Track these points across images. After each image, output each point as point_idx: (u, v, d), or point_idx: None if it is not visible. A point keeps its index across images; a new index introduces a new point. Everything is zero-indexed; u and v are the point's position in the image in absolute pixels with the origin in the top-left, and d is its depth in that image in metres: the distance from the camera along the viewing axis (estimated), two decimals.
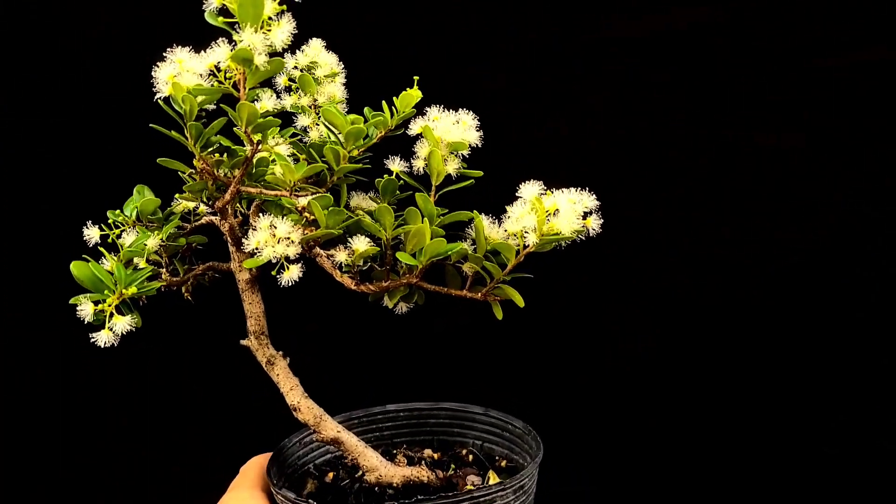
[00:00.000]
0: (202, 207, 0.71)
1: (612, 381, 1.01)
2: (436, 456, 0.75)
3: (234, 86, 0.60)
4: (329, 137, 0.69)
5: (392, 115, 0.68)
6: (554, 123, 0.98)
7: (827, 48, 0.90)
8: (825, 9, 0.89)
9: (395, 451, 0.74)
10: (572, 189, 0.62)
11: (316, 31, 0.72)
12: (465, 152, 0.67)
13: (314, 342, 0.98)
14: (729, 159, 0.94)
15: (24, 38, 1.03)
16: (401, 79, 0.69)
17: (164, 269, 0.68)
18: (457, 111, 0.67)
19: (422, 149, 0.67)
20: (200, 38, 0.62)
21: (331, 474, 0.72)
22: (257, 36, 0.57)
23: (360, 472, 0.70)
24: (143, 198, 0.69)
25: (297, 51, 0.72)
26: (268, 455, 0.72)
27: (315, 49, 0.73)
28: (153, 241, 0.65)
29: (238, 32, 0.58)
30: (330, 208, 0.63)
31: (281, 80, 0.72)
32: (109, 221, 0.68)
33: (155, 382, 1.10)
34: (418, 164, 0.67)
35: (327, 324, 0.99)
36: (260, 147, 0.60)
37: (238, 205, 0.70)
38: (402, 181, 0.69)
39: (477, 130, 0.67)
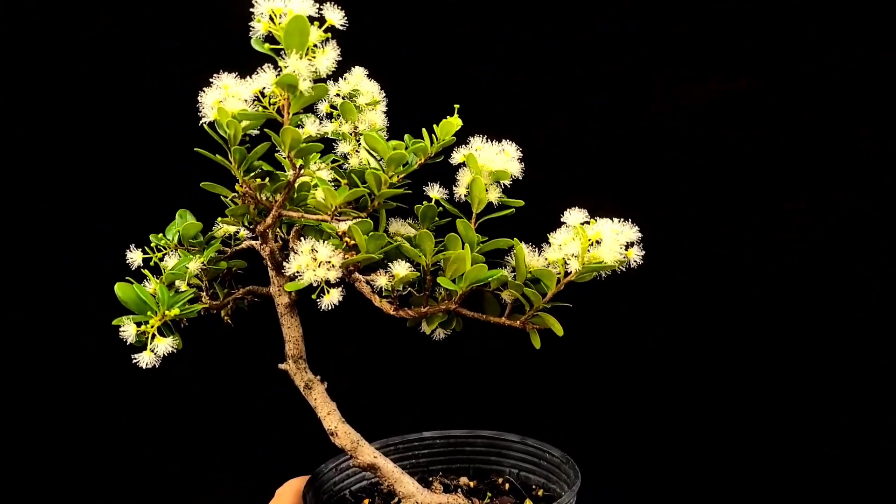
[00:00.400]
0: (242, 232, 0.72)
1: (639, 402, 1.00)
2: (472, 484, 0.74)
3: (279, 111, 0.60)
4: (369, 164, 0.69)
5: (432, 142, 0.68)
6: (554, 123, 0.97)
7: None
8: None
9: (430, 479, 0.73)
10: (616, 219, 0.62)
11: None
12: (507, 182, 0.67)
13: (351, 366, 0.98)
14: (729, 159, 0.94)
15: (25, 38, 1.03)
16: (398, 80, 0.69)
17: (204, 293, 0.69)
18: (500, 141, 0.68)
19: (464, 176, 0.67)
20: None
21: (366, 501, 0.72)
22: (302, 62, 0.58)
23: (396, 499, 0.69)
24: (185, 222, 0.69)
25: (340, 78, 0.73)
26: (302, 479, 0.71)
27: (357, 77, 0.73)
28: (195, 265, 0.66)
29: (283, 59, 0.58)
30: (370, 233, 0.63)
31: (322, 107, 0.73)
32: (152, 245, 0.68)
33: (155, 382, 1.06)
34: (460, 192, 0.67)
35: (364, 348, 0.99)
36: (302, 172, 0.61)
37: (278, 230, 0.70)
38: (441, 208, 0.70)
39: (519, 162, 0.67)
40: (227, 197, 0.65)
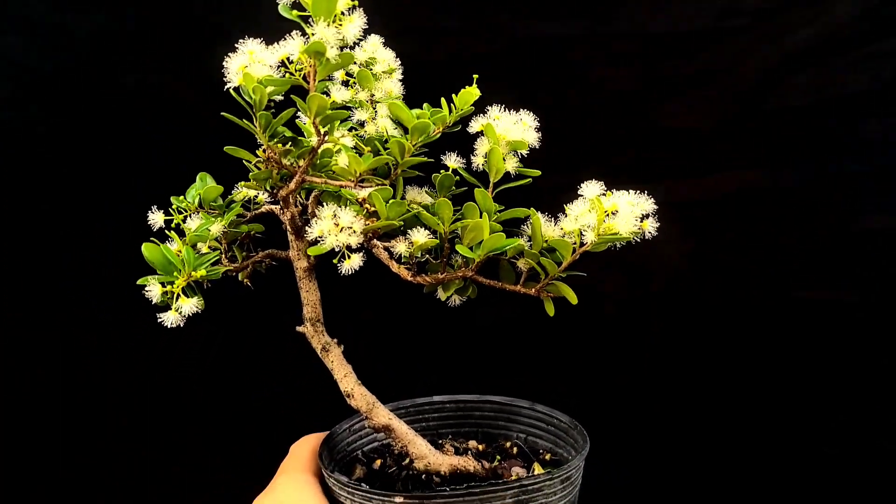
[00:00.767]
0: (261, 196, 0.73)
1: (647, 380, 1.02)
2: (480, 447, 0.76)
3: (304, 77, 0.61)
4: (386, 132, 0.70)
5: (450, 111, 0.69)
6: (556, 123, 0.99)
7: None
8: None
9: (440, 442, 0.75)
10: (631, 191, 0.64)
11: None
12: (524, 152, 0.68)
13: (368, 331, 0.99)
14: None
15: (25, 37, 1.04)
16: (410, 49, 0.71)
17: (224, 255, 0.70)
18: (518, 111, 0.69)
19: (481, 146, 0.68)
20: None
21: (378, 461, 0.74)
22: (330, 30, 0.59)
23: (408, 460, 0.71)
24: (205, 185, 0.70)
25: (357, 47, 0.73)
26: (315, 435, 0.73)
27: (373, 45, 0.74)
28: (217, 227, 0.67)
29: (311, 26, 0.59)
30: (391, 201, 0.64)
31: (338, 75, 0.73)
32: (174, 207, 0.69)
33: (155, 382, 1.11)
34: (478, 161, 0.68)
35: (381, 314, 1.00)
36: (326, 138, 0.62)
37: (298, 195, 0.71)
38: (458, 177, 0.71)
39: (536, 131, 0.69)
40: (250, 162, 0.66)
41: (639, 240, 0.64)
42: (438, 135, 0.66)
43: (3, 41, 1.03)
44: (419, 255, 0.66)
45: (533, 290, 0.67)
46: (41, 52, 1.04)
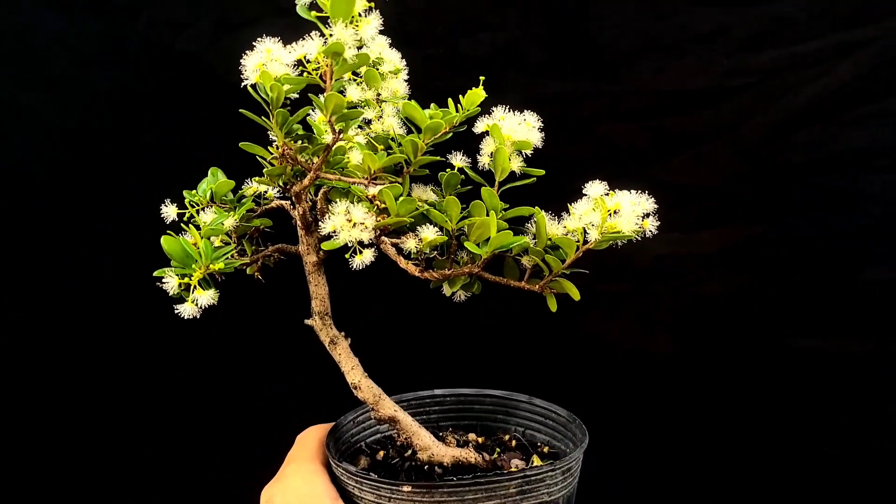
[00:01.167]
0: (270, 192, 0.75)
1: (650, 381, 1.05)
2: (480, 440, 0.78)
3: (321, 77, 0.63)
4: (392, 130, 0.72)
5: (457, 111, 0.71)
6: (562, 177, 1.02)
7: None
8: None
9: (441, 434, 0.77)
10: (633, 191, 0.66)
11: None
12: (529, 151, 0.70)
13: (375, 325, 1.00)
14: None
15: (24, 36, 1.05)
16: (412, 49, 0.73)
17: (234, 249, 0.71)
18: (522, 112, 0.71)
19: (487, 146, 0.70)
20: None
21: (381, 452, 0.75)
22: (348, 31, 0.61)
23: (410, 451, 0.73)
24: (217, 179, 0.72)
25: (363, 47, 0.75)
26: (321, 426, 0.75)
27: (380, 45, 0.76)
28: (230, 222, 0.68)
29: (328, 27, 0.61)
30: (401, 198, 0.66)
31: (345, 74, 0.75)
32: (186, 201, 0.71)
33: (155, 382, 1.11)
34: (483, 161, 0.70)
35: (388, 308, 1.02)
36: (341, 136, 0.64)
37: (308, 191, 0.73)
38: (463, 176, 0.73)
39: (540, 132, 0.71)
40: (263, 158, 0.67)
41: (640, 238, 0.66)
42: (449, 135, 0.68)
43: (28, 97, 1.06)
44: (427, 252, 0.68)
45: (537, 286, 0.69)
46: (64, 108, 1.06)
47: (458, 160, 0.72)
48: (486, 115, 0.71)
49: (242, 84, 0.64)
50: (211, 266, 0.62)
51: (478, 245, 0.67)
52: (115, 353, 1.10)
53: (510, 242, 0.66)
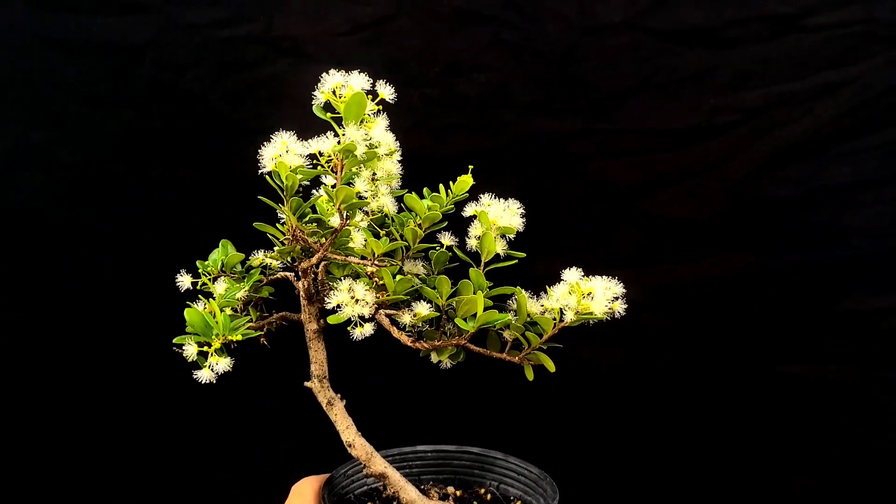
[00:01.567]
0: (275, 263, 0.82)
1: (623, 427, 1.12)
2: (458, 493, 0.85)
3: (332, 168, 0.70)
4: (387, 208, 0.80)
5: (447, 195, 0.79)
6: (555, 211, 1.09)
7: None
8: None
9: (422, 487, 0.84)
10: (605, 277, 0.74)
11: None
12: (511, 236, 0.79)
13: (365, 386, 1.05)
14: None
15: (24, 36, 1.09)
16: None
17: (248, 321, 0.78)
18: (506, 199, 0.79)
19: (474, 229, 0.78)
20: None
21: (369, 503, 0.82)
22: (359, 132, 0.68)
23: (395, 503, 0.80)
24: (227, 252, 0.79)
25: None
26: (315, 478, 0.81)
27: (378, 130, 0.83)
28: (242, 293, 0.75)
29: (342, 128, 0.69)
30: (398, 276, 0.74)
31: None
32: (199, 271, 0.77)
33: (155, 382, 1.13)
34: (471, 243, 0.78)
35: (382, 374, 1.09)
36: (348, 222, 0.71)
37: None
38: (451, 254, 0.81)
39: (521, 217, 0.79)
40: (275, 237, 0.74)
41: (609, 318, 0.75)
42: (444, 223, 0.76)
43: (39, 135, 1.10)
44: (420, 325, 0.76)
45: (517, 357, 0.77)
46: (73, 145, 1.11)
47: (447, 240, 0.80)
48: (474, 201, 0.79)
49: (260, 172, 0.72)
50: (228, 336, 0.69)
51: (465, 320, 0.75)
52: (115, 353, 1.12)
53: (495, 319, 0.74)
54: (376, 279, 0.75)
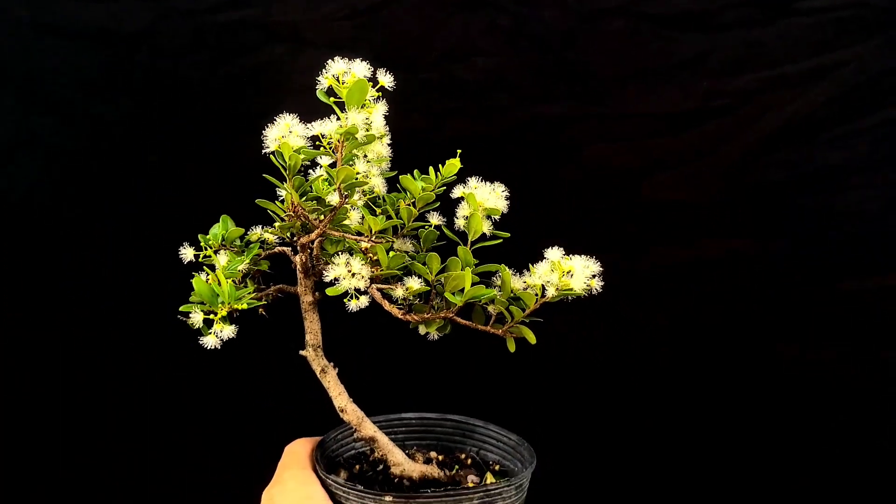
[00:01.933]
0: (271, 238, 0.86)
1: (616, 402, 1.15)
2: (440, 458, 0.91)
3: (333, 149, 0.75)
4: (379, 189, 0.84)
5: (437, 178, 0.84)
6: (551, 195, 1.12)
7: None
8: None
9: (407, 452, 0.89)
10: (583, 256, 0.80)
11: None
12: (497, 217, 0.84)
13: (358, 356, 1.08)
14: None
15: (24, 36, 1.11)
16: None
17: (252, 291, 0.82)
18: (492, 182, 0.84)
19: (462, 209, 0.83)
20: None
21: (357, 466, 0.87)
22: (360, 116, 0.73)
23: (381, 466, 0.85)
24: (227, 226, 0.83)
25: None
26: (307, 440, 0.85)
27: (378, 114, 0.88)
28: (244, 265, 0.79)
29: (344, 112, 0.73)
30: (391, 252, 0.79)
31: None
32: (202, 245, 0.81)
33: (155, 382, 1.15)
34: (459, 223, 0.83)
35: (373, 345, 1.12)
36: (347, 200, 0.76)
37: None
38: (438, 232, 0.86)
39: (506, 200, 0.84)
40: (276, 213, 0.79)
41: (587, 295, 0.80)
42: (437, 203, 0.81)
43: (38, 121, 1.11)
44: (411, 298, 0.81)
45: (500, 330, 0.82)
46: (72, 133, 1.12)
47: (436, 219, 0.85)
48: (462, 184, 0.84)
49: (263, 152, 0.76)
50: (234, 305, 0.73)
51: (453, 294, 0.80)
52: (115, 353, 1.13)
53: (482, 294, 0.79)
54: (370, 255, 0.79)
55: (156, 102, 1.12)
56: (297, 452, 0.83)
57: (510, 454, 0.90)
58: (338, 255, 0.78)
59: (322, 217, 0.77)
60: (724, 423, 1.13)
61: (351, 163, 0.76)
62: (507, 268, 0.81)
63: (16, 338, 1.14)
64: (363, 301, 0.77)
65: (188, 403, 1.16)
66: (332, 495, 0.79)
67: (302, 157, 0.74)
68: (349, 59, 0.74)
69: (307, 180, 0.77)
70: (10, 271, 1.13)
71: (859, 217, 1.05)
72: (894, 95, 1.02)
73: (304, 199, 0.76)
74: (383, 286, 0.81)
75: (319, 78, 0.74)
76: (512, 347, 0.83)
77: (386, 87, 0.76)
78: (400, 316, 0.81)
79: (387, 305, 0.81)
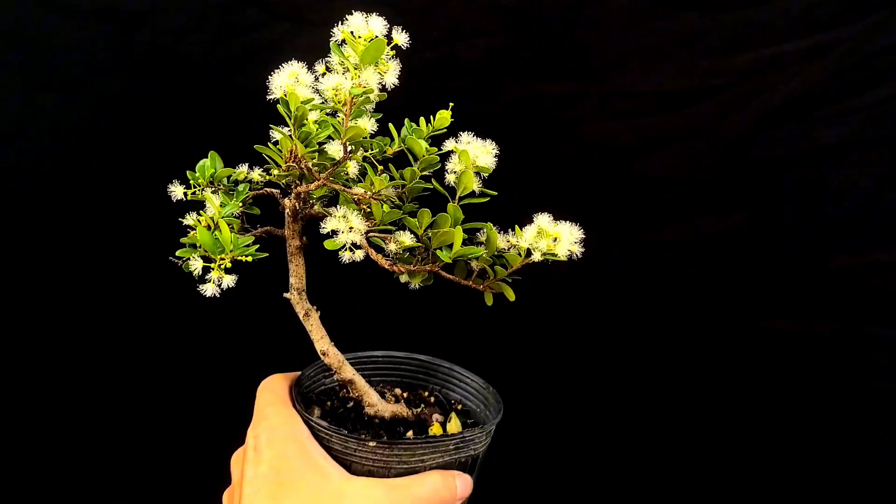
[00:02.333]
0: (256, 177, 0.85)
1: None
2: (405, 395, 0.95)
3: (342, 104, 0.74)
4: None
5: (427, 129, 0.84)
6: (551, 173, 1.13)
7: None
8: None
9: (379, 388, 0.93)
10: (569, 223, 0.83)
11: None
12: (486, 175, 0.85)
13: (342, 301, 1.07)
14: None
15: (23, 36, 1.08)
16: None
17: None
18: (484, 139, 0.85)
19: (453, 164, 0.85)
20: None
21: (328, 403, 0.90)
22: (375, 75, 0.72)
23: (352, 404, 0.89)
24: (216, 163, 0.82)
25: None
26: (281, 376, 0.87)
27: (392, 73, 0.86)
28: (238, 209, 0.79)
29: (357, 69, 0.72)
30: (385, 207, 0.80)
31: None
32: (191, 183, 0.80)
33: (155, 382, 1.15)
34: (450, 178, 0.85)
35: (357, 291, 1.12)
36: (350, 156, 0.76)
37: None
38: (423, 184, 0.87)
39: (494, 157, 0.86)
40: (272, 159, 0.78)
41: (568, 259, 0.84)
42: (438, 165, 0.82)
43: (42, 98, 1.09)
44: (401, 252, 0.83)
45: (480, 286, 0.86)
46: (77, 109, 1.09)
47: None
48: (453, 138, 0.85)
49: (268, 98, 0.75)
50: (237, 256, 0.73)
51: (441, 250, 0.82)
52: (115, 353, 1.13)
53: (471, 253, 0.81)
54: (364, 207, 0.80)
55: (157, 80, 1.11)
56: (276, 389, 0.85)
57: (473, 395, 0.94)
58: (336, 207, 0.79)
59: (324, 169, 0.77)
60: (713, 400, 1.15)
61: (357, 118, 0.76)
62: (493, 226, 0.84)
63: (16, 338, 1.13)
64: (359, 255, 0.78)
65: (188, 403, 1.16)
66: (314, 434, 0.82)
67: (308, 107, 0.74)
68: (366, 14, 0.73)
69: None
70: (10, 271, 1.11)
71: (854, 193, 1.06)
72: (889, 74, 1.04)
73: (308, 150, 0.76)
74: (376, 234, 0.82)
75: (335, 30, 0.73)
76: (489, 301, 0.86)
77: (401, 46, 0.75)
78: (386, 266, 0.83)
79: (374, 255, 0.83)
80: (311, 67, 0.75)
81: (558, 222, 0.83)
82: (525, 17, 1.08)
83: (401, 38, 0.75)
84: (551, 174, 0.95)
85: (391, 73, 0.74)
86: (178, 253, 0.74)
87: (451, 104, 0.85)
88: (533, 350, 1.17)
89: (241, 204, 0.80)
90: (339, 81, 0.73)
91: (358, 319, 1.14)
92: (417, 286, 0.87)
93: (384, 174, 0.80)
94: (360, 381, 0.87)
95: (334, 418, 0.87)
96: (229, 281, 0.74)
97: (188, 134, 1.10)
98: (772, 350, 1.10)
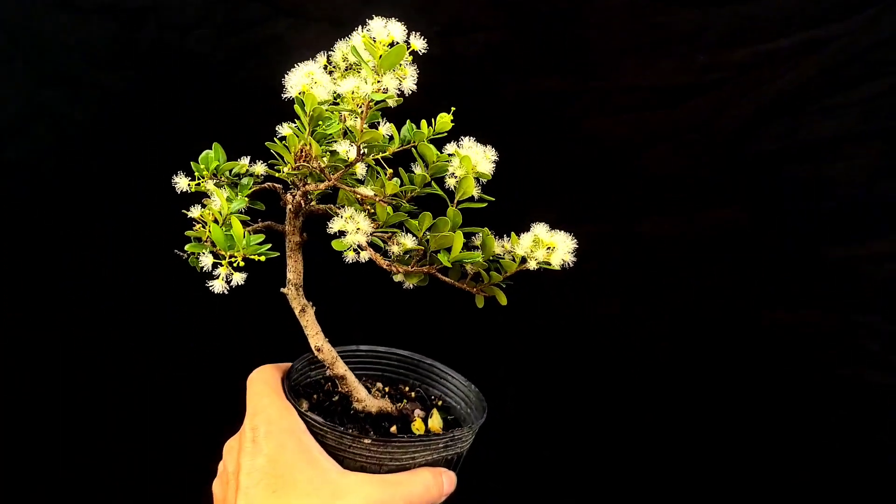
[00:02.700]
0: (258, 171, 0.85)
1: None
2: (386, 389, 0.96)
3: (359, 106, 0.75)
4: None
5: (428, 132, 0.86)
6: (550, 167, 1.14)
7: None
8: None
9: (367, 385, 0.94)
10: (563, 232, 0.85)
11: None
12: (485, 180, 0.87)
13: (336, 299, 1.06)
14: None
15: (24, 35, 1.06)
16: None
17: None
18: (485, 145, 0.87)
19: (453, 168, 0.86)
20: None
21: (315, 396, 0.91)
22: (393, 80, 0.73)
23: (337, 397, 0.90)
24: (219, 155, 0.81)
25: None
26: (272, 367, 0.87)
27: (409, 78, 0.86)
28: (244, 204, 0.79)
29: (377, 74, 0.73)
30: (388, 209, 0.81)
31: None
32: (195, 174, 0.79)
33: (155, 382, 1.14)
34: (449, 182, 0.86)
35: (352, 288, 1.13)
36: (363, 158, 0.77)
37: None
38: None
39: (493, 164, 0.87)
40: (281, 157, 0.78)
41: (560, 268, 0.86)
42: (447, 171, 0.83)
43: (47, 93, 1.08)
44: (401, 254, 0.84)
45: (473, 289, 0.88)
46: (81, 104, 1.08)
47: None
48: (454, 142, 0.86)
49: (284, 97, 0.75)
50: (250, 255, 0.73)
51: (439, 252, 0.84)
52: (115, 353, 1.12)
53: (470, 258, 0.83)
54: (367, 208, 0.81)
55: (161, 76, 1.09)
56: (268, 381, 0.86)
57: (454, 392, 0.96)
58: (336, 205, 0.79)
59: (335, 170, 0.78)
60: (712, 400, 1.16)
61: (374, 125, 0.77)
62: (490, 231, 0.86)
63: (16, 338, 1.12)
64: (364, 256, 0.79)
65: (188, 403, 1.15)
66: (308, 428, 0.83)
67: (325, 108, 0.74)
68: (385, 19, 0.74)
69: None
70: (10, 271, 1.10)
71: (848, 186, 1.07)
72: (884, 68, 1.05)
73: (322, 149, 0.76)
74: (377, 234, 0.83)
75: (354, 34, 0.73)
76: (480, 304, 0.88)
77: (418, 51, 0.76)
78: (384, 266, 0.84)
79: (372, 254, 0.84)
80: (317, 61, 0.76)
81: (554, 231, 0.85)
82: (524, 12, 1.09)
83: (419, 43, 0.76)
84: (549, 169, 0.96)
85: (409, 79, 0.75)
86: (186, 248, 0.74)
87: (453, 108, 0.86)
88: (525, 348, 1.19)
89: (246, 199, 0.80)
90: (357, 85, 0.73)
91: (356, 317, 1.15)
92: (410, 286, 0.88)
93: (395, 178, 0.80)
94: (351, 377, 0.88)
95: (321, 411, 0.88)
96: (239, 279, 0.74)
97: (189, 133, 1.09)
98: (771, 349, 1.11)
